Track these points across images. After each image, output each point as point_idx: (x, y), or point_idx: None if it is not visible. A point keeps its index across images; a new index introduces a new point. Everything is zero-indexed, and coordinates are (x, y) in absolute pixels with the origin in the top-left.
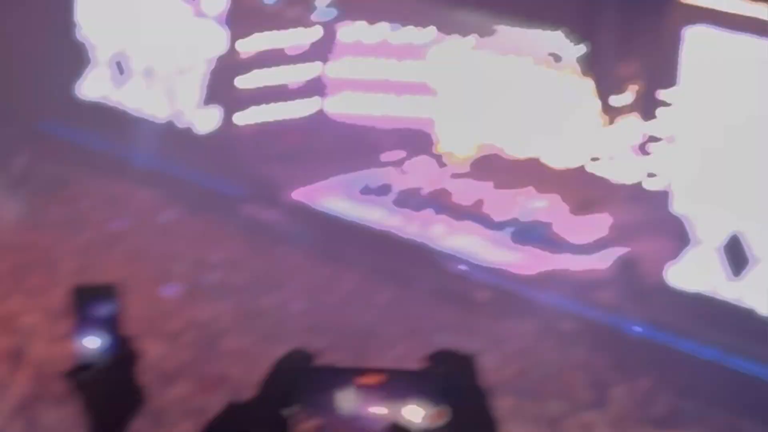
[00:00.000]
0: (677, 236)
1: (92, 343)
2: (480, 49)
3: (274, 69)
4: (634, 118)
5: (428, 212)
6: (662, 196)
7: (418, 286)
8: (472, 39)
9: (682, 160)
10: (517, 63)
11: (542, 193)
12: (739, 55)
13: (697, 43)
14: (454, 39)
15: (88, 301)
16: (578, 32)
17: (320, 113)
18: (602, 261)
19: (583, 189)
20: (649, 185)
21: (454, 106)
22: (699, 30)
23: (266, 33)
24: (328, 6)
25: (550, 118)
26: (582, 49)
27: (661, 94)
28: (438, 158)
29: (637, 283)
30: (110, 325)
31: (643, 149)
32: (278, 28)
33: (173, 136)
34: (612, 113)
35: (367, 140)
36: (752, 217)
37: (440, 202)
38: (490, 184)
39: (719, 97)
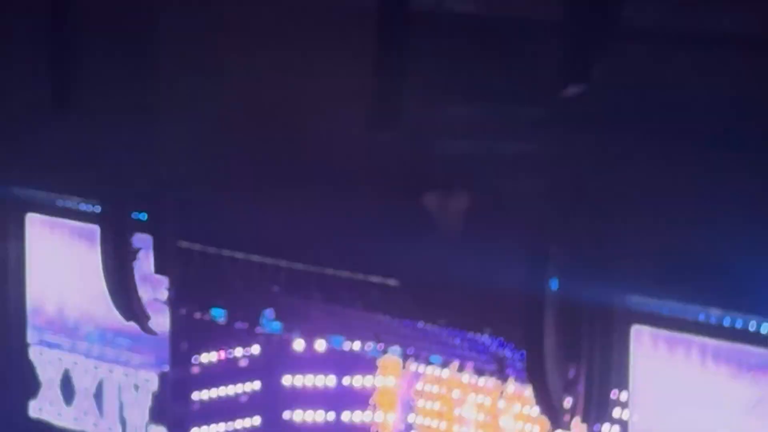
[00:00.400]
0: None
1: None
2: (422, 357)
3: (225, 383)
4: (580, 424)
5: None
6: None
7: None
8: (415, 349)
9: None
10: (457, 375)
11: None
12: (686, 356)
13: (644, 344)
14: (397, 349)
15: None
16: (516, 336)
17: (273, 426)
18: None
19: None
20: None
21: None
22: (645, 330)
23: (216, 346)
24: (274, 320)
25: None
26: (521, 354)
27: (610, 397)
28: None
29: None
30: None
31: None
32: (228, 341)
33: None
34: (556, 420)
35: None
36: None
37: None
38: None
39: (669, 399)
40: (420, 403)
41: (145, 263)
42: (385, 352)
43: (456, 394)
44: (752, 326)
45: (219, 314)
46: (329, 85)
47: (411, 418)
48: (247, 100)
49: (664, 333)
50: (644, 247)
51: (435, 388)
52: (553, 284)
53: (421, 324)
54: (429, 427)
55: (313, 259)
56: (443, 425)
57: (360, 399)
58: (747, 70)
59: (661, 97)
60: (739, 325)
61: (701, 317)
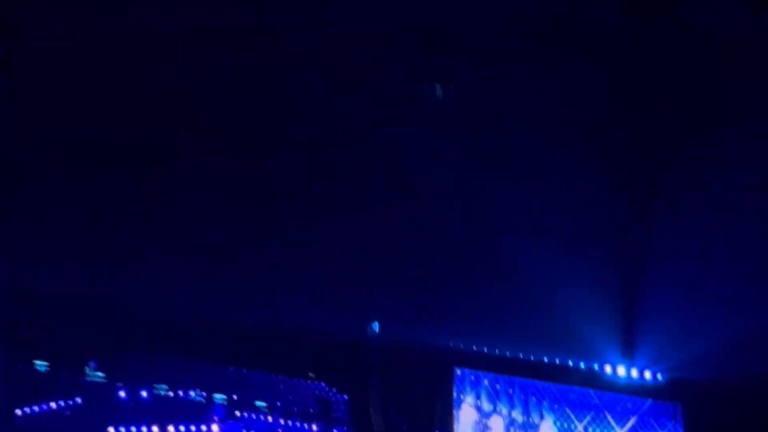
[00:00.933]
0: None
1: None
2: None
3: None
4: None
5: None
6: None
7: None
8: (239, 395)
9: None
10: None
11: None
12: (502, 393)
13: (463, 383)
14: (221, 395)
15: None
16: (339, 380)
17: None
18: None
19: None
20: None
21: None
22: (466, 372)
23: (39, 398)
24: (97, 370)
25: None
26: (345, 397)
27: None
28: None
29: None
30: None
31: None
32: (51, 393)
33: None
34: None
35: None
36: None
37: None
38: None
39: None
40: None
41: None
42: (209, 399)
43: None
44: (571, 365)
45: (41, 365)
46: None
47: None
48: None
49: (486, 374)
50: (466, 294)
51: None
52: (375, 328)
53: (245, 370)
54: None
55: (135, 304)
56: None
57: None
58: None
59: None
60: (557, 364)
61: (521, 357)
